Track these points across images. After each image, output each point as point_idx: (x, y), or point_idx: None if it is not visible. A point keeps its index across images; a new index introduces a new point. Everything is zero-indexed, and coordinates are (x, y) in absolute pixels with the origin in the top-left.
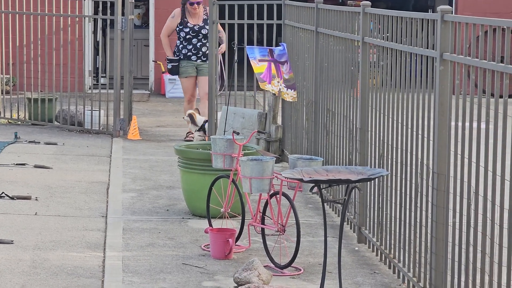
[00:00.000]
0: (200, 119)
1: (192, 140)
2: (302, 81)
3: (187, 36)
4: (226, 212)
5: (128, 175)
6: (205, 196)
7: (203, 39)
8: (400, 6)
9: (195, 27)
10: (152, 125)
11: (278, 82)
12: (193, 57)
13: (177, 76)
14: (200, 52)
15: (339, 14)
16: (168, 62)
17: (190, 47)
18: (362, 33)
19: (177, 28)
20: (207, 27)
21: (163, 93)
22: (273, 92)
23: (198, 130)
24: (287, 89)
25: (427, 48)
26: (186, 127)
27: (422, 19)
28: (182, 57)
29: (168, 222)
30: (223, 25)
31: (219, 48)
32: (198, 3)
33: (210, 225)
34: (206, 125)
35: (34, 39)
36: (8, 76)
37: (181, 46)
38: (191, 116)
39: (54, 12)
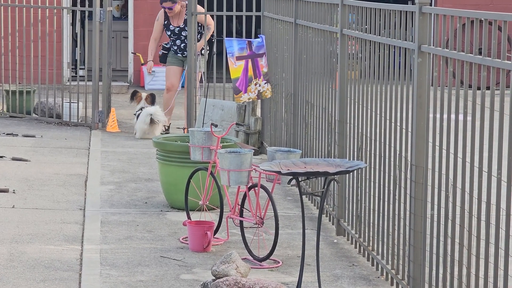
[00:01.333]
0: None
1: (162, 132)
2: (281, 73)
3: (171, 38)
4: (205, 205)
5: (107, 167)
6: (183, 188)
7: (185, 40)
8: None
9: (175, 29)
10: (131, 117)
11: (255, 84)
12: (179, 55)
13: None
14: (185, 52)
15: (318, 6)
16: (161, 49)
17: (175, 47)
18: (341, 25)
19: (164, 29)
20: (187, 28)
21: (142, 85)
22: (251, 99)
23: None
24: (267, 85)
25: (405, 40)
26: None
27: (401, 11)
28: (171, 50)
29: (147, 214)
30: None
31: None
32: (169, 8)
33: (189, 217)
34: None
35: (12, 30)
36: None
37: (170, 44)
38: (135, 93)
39: (32, 4)
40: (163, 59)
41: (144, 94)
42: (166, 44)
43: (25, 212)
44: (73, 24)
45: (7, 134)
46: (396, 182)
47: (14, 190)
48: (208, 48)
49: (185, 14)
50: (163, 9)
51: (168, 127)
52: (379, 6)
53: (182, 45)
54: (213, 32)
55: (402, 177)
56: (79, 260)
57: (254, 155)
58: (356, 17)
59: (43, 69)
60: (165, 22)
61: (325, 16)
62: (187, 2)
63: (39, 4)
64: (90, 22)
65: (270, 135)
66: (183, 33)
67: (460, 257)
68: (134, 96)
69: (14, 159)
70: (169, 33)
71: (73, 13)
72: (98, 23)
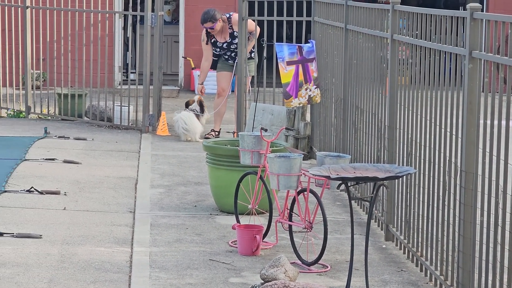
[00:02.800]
0: (194, 107)
1: (212, 136)
2: (331, 78)
3: (220, 53)
4: (254, 209)
5: (157, 170)
6: (233, 192)
7: (235, 49)
8: (431, 4)
9: (223, 45)
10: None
11: (306, 89)
12: (230, 61)
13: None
14: (235, 60)
15: (369, 11)
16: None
17: (225, 56)
18: (392, 30)
19: (212, 47)
20: (235, 41)
21: (192, 89)
22: (301, 104)
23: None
24: (317, 90)
25: (456, 46)
26: (214, 122)
27: (452, 16)
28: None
29: (196, 218)
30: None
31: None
32: (211, 28)
33: (238, 221)
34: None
35: (64, 34)
36: (38, 71)
37: (219, 55)
38: (188, 103)
39: (84, 8)
40: (213, 65)
41: (196, 97)
42: (216, 51)
43: (76, 214)
44: (124, 28)
45: (59, 136)
46: (445, 188)
47: (65, 192)
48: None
49: (229, 28)
50: (205, 29)
51: (219, 131)
52: (430, 11)
53: (233, 53)
54: (263, 37)
55: (452, 183)
56: (129, 262)
57: (303, 160)
58: (406, 23)
59: (95, 73)
60: (212, 40)
61: (376, 21)
62: (227, 15)
63: (92, 9)
64: (142, 27)
65: (319, 140)
66: (232, 47)
67: (510, 264)
68: (187, 105)
69: (65, 161)
70: (218, 49)
71: (125, 17)
72: (149, 27)
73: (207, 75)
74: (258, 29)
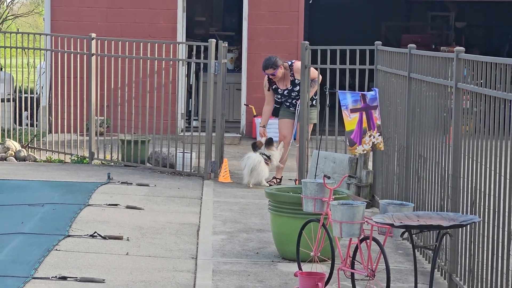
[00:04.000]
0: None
1: (274, 184)
2: (394, 126)
3: (281, 100)
4: (316, 256)
5: (219, 217)
6: (295, 239)
7: (297, 96)
8: (495, 52)
9: (284, 92)
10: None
11: (370, 136)
12: (291, 108)
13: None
14: (297, 106)
15: (432, 60)
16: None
17: (287, 104)
18: (456, 79)
19: (274, 94)
20: (296, 88)
21: (254, 137)
22: (365, 151)
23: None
24: (380, 137)
25: None
26: (275, 170)
27: None
28: (283, 105)
29: (258, 265)
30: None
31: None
32: (272, 74)
33: (300, 268)
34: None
35: (128, 81)
36: (102, 118)
37: (280, 101)
38: (255, 144)
39: (149, 56)
40: (275, 112)
41: (263, 139)
42: (277, 98)
43: (138, 259)
44: (188, 75)
45: (121, 182)
46: (510, 237)
47: (128, 238)
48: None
49: (290, 76)
50: (266, 75)
51: (280, 179)
52: (495, 60)
53: (294, 101)
54: (326, 85)
55: None
56: None
57: (365, 208)
58: (470, 71)
59: (158, 120)
60: (273, 87)
61: (440, 70)
62: (289, 63)
63: (156, 56)
64: (205, 74)
65: (381, 188)
66: (293, 94)
67: None
68: (255, 146)
69: (128, 207)
70: (279, 96)
71: (188, 65)
72: (212, 75)
73: (270, 122)
74: (320, 76)
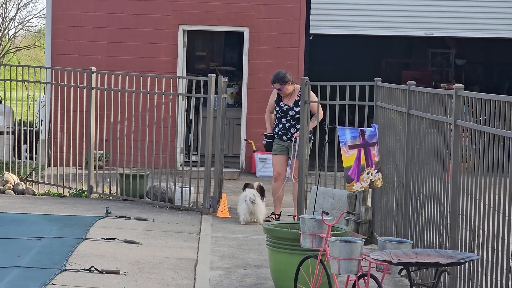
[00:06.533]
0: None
1: (273, 220)
2: (393, 163)
3: (278, 115)
4: None
5: (217, 252)
6: (293, 275)
7: (291, 120)
8: (495, 89)
9: (284, 107)
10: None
11: (367, 173)
12: (284, 137)
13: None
14: (289, 133)
15: (432, 97)
16: (264, 138)
17: (280, 126)
18: (455, 116)
19: (275, 105)
20: (296, 109)
21: (253, 172)
22: (363, 188)
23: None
24: (378, 174)
25: None
26: (273, 206)
27: None
28: (276, 136)
29: None
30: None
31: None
32: (279, 89)
33: None
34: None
35: (128, 115)
36: (101, 151)
37: (275, 124)
38: (247, 185)
39: (148, 90)
40: (268, 148)
41: (255, 184)
42: (268, 133)
43: None
44: (187, 110)
45: (120, 216)
46: (509, 275)
47: (125, 272)
48: (313, 137)
49: (297, 96)
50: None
51: (279, 215)
52: (495, 97)
53: (287, 124)
54: (325, 120)
55: None
56: None
57: (364, 244)
58: (470, 108)
59: (157, 154)
60: (277, 99)
61: (439, 106)
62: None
63: (156, 90)
64: (205, 109)
65: (380, 225)
66: (290, 112)
67: None
68: (246, 187)
69: (126, 241)
70: (277, 108)
71: (188, 99)
72: (212, 109)
73: (268, 157)
74: (321, 113)
